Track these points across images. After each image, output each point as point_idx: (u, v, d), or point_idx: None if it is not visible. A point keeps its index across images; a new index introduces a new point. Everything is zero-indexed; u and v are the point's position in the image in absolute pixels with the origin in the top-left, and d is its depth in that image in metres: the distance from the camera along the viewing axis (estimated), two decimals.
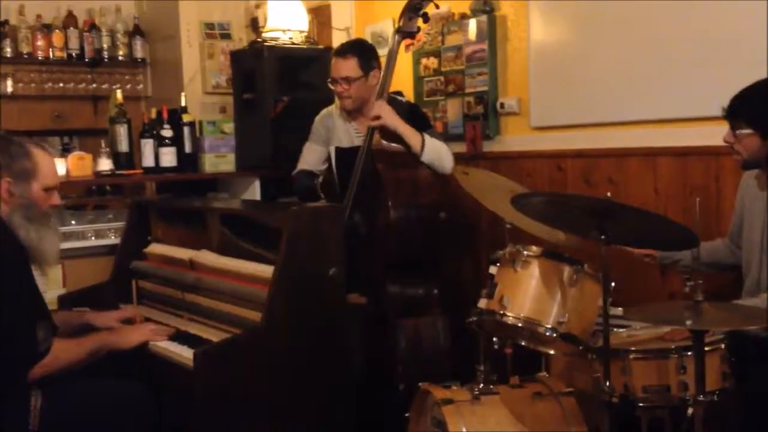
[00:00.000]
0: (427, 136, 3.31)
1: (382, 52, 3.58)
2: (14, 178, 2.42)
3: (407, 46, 4.24)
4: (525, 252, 2.53)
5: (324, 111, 3.64)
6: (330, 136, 3.60)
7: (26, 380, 2.37)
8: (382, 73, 3.39)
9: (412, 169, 3.34)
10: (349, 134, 3.53)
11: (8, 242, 2.39)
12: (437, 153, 3.31)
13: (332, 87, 3.47)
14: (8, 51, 4.56)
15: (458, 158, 3.81)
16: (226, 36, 4.78)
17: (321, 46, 4.25)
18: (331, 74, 3.46)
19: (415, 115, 3.47)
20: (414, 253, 3.28)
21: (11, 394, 2.36)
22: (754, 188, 2.63)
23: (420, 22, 3.37)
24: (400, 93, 4.24)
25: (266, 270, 2.73)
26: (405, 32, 3.37)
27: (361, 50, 3.49)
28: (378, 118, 3.25)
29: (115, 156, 3.86)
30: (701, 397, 2.15)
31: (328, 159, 3.62)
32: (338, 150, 3.56)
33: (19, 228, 2.42)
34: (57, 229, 2.67)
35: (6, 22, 4.61)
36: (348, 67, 3.40)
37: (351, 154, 3.39)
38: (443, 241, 3.42)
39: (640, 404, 2.37)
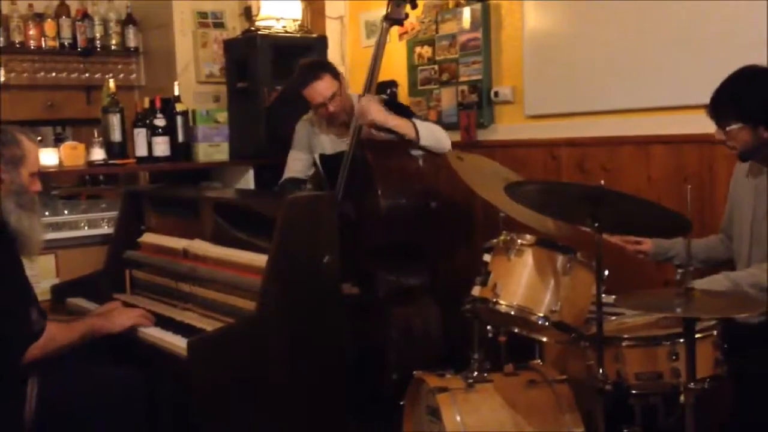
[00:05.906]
0: (417, 121, 3.30)
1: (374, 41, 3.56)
2: (6, 164, 2.47)
3: (401, 35, 4.23)
4: (519, 240, 2.51)
5: (304, 117, 3.62)
6: (312, 142, 3.59)
7: (21, 361, 2.38)
8: (370, 62, 3.35)
9: (402, 158, 3.33)
10: (331, 140, 3.52)
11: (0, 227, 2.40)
12: (432, 134, 3.30)
13: (321, 111, 3.41)
14: (0, 40, 4.53)
15: (453, 146, 3.81)
16: (220, 25, 4.76)
17: (314, 35, 4.24)
18: (314, 102, 3.39)
19: (394, 106, 3.42)
20: (405, 242, 3.28)
21: (8, 378, 2.36)
22: (743, 177, 2.64)
23: (408, 8, 3.35)
24: (393, 82, 4.25)
25: (260, 259, 2.73)
26: (393, 19, 3.36)
27: (325, 65, 3.49)
28: (366, 116, 3.20)
29: (108, 145, 3.84)
30: (692, 384, 2.16)
31: (315, 165, 3.60)
32: (323, 157, 3.54)
33: (10, 214, 2.45)
34: (41, 217, 2.70)
35: None
36: (328, 84, 3.36)
37: (336, 160, 3.37)
38: (437, 230, 3.42)
39: (633, 391, 2.38)
